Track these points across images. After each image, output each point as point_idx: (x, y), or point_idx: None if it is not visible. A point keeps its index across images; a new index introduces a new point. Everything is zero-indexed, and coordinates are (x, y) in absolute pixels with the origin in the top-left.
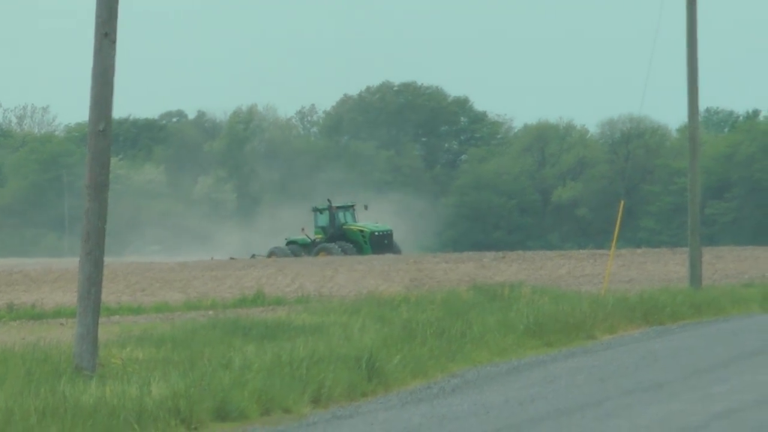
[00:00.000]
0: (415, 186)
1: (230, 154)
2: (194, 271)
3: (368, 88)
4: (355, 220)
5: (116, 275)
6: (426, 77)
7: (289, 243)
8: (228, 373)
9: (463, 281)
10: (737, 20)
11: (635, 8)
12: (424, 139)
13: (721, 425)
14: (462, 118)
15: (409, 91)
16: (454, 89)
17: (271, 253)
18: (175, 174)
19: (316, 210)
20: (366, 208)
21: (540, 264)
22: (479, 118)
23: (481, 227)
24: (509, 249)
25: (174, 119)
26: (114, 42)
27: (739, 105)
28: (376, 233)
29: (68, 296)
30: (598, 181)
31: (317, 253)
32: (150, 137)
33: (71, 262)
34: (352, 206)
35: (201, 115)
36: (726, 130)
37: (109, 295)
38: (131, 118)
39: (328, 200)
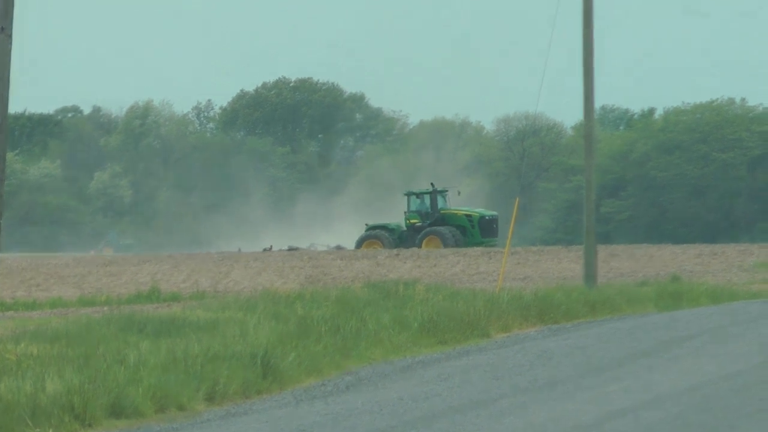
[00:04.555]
0: (311, 182)
1: (126, 150)
2: (89, 266)
3: (264, 84)
4: (447, 206)
5: (11, 270)
6: (322, 73)
7: (375, 228)
8: (123, 369)
9: (358, 278)
10: (632, 18)
11: (531, 5)
12: (320, 136)
13: (615, 424)
14: (357, 115)
15: (305, 87)
16: (350, 85)
17: (366, 240)
18: (72, 169)
19: (411, 194)
20: (459, 193)
21: (434, 261)
22: (375, 114)
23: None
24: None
25: (70, 114)
26: (10, 37)
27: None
28: (486, 217)
29: None
30: (494, 179)
31: (421, 241)
32: (46, 132)
33: None
34: (446, 191)
35: (96, 110)
36: (621, 128)
37: (3, 291)
38: (27, 113)
39: (432, 184)
